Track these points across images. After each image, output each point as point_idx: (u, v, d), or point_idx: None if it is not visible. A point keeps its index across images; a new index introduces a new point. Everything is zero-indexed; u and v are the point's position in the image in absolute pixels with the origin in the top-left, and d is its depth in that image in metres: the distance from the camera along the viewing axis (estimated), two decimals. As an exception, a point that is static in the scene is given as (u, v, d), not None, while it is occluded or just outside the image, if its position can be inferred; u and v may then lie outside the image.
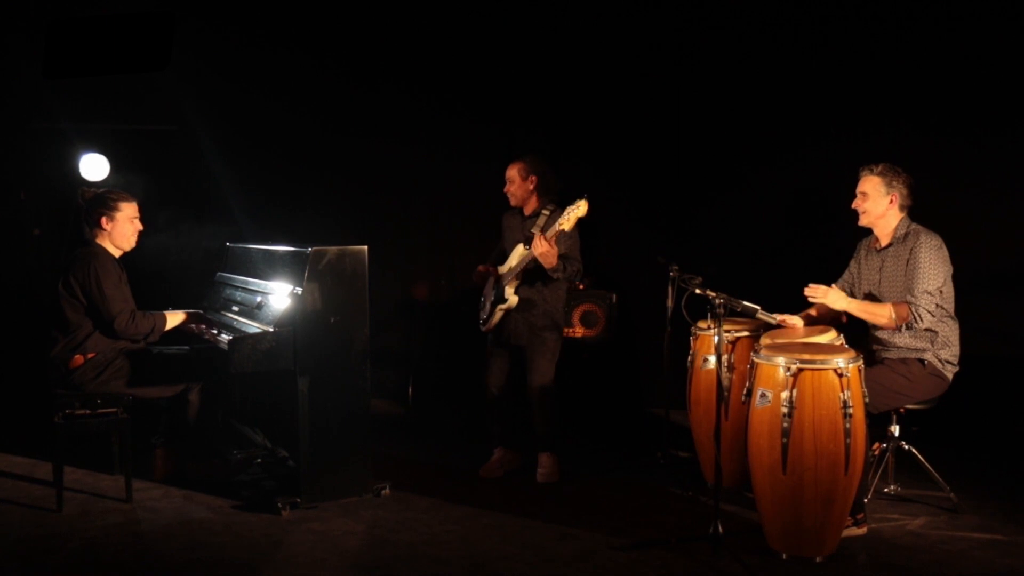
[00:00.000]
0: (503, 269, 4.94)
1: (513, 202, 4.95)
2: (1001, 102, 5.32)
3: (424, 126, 6.59)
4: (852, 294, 4.49)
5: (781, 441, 3.76)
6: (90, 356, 4.65)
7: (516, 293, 4.84)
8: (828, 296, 4.21)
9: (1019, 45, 5.25)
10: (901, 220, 4.31)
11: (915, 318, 4.10)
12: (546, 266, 4.62)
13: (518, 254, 4.85)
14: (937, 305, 4.15)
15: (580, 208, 4.51)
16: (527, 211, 4.95)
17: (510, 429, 5.04)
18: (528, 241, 4.79)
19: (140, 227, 4.89)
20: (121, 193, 4.89)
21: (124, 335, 4.70)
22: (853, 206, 4.36)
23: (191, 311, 5.06)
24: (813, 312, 4.54)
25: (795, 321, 4.46)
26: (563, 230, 4.56)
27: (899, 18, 5.57)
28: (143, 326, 4.73)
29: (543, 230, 4.73)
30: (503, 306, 4.85)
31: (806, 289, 4.23)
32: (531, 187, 4.89)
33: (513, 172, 4.92)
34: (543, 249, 4.56)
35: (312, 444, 4.48)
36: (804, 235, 5.95)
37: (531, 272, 4.80)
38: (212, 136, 6.46)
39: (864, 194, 4.32)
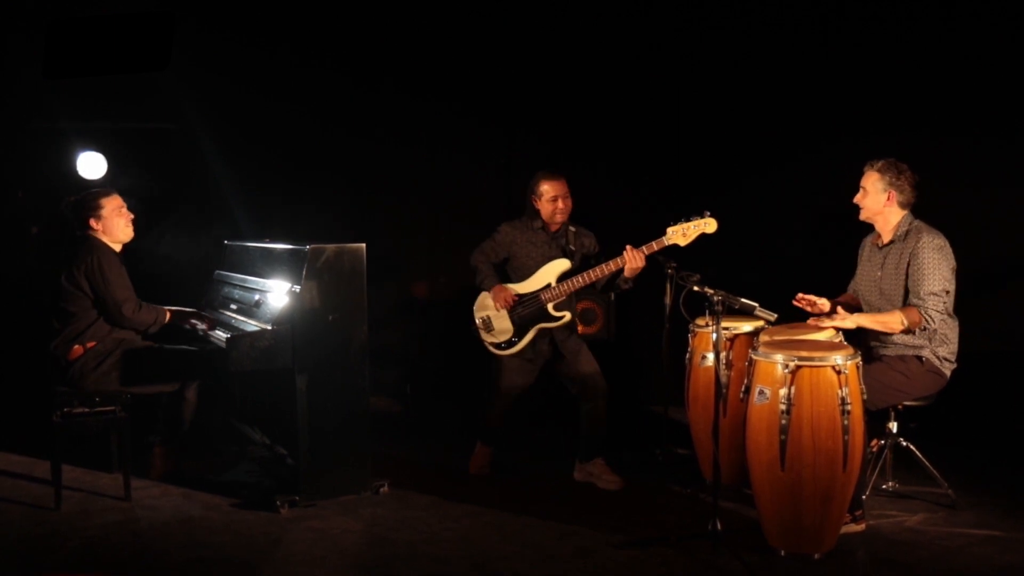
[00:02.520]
0: (532, 286, 4.78)
1: (564, 217, 4.81)
2: (1001, 102, 5.32)
3: (424, 126, 6.59)
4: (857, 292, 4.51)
5: (779, 438, 3.77)
6: (90, 345, 4.66)
7: (559, 310, 4.76)
8: (836, 320, 4.17)
9: (1019, 45, 5.25)
10: (903, 217, 4.30)
11: (927, 320, 4.08)
12: (630, 276, 4.63)
13: (558, 270, 4.74)
14: (944, 304, 4.14)
15: (709, 225, 4.44)
16: (554, 228, 4.85)
17: (505, 428, 5.03)
18: (570, 257, 4.77)
19: (131, 215, 4.90)
20: (99, 191, 4.91)
21: (131, 323, 4.74)
22: (854, 200, 4.36)
23: (187, 309, 5.07)
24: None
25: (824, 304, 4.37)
26: (676, 245, 4.48)
27: (900, 18, 5.57)
28: (148, 315, 4.79)
29: (573, 246, 4.79)
30: (553, 324, 4.75)
31: (814, 320, 4.20)
32: (572, 202, 4.86)
33: (567, 187, 4.79)
34: (640, 264, 4.55)
35: (311, 442, 4.49)
36: (803, 234, 5.95)
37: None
38: (211, 134, 6.46)
39: (864, 189, 4.32)
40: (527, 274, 4.83)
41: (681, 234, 4.49)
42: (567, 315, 4.77)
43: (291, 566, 3.84)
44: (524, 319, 4.78)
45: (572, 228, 4.87)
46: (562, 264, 4.77)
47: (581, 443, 4.86)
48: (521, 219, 4.93)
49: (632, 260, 4.53)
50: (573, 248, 4.84)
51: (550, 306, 4.75)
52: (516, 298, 4.78)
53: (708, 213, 4.47)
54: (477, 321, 4.90)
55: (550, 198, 4.78)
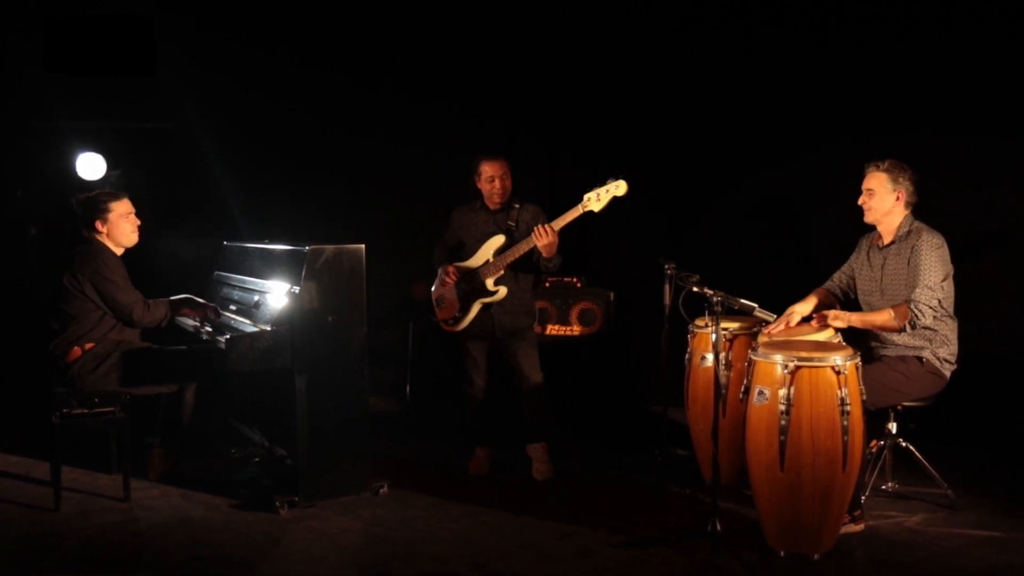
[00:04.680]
0: (474, 263, 4.90)
1: (501, 198, 4.92)
2: (1001, 102, 5.31)
3: (424, 126, 6.59)
4: (850, 288, 4.50)
5: (779, 438, 3.76)
6: (88, 347, 4.66)
7: (497, 285, 4.85)
8: (829, 319, 4.17)
9: (1019, 45, 5.24)
10: (905, 218, 4.29)
11: (916, 315, 4.08)
12: (547, 255, 4.66)
13: (494, 246, 4.85)
14: (938, 301, 4.14)
15: (620, 188, 4.53)
16: (493, 207, 4.96)
17: (489, 424, 5.09)
18: (508, 233, 4.85)
19: (137, 222, 4.90)
20: (110, 193, 4.90)
21: (141, 324, 4.76)
22: (859, 203, 4.34)
23: (185, 296, 5.04)
24: (807, 310, 4.47)
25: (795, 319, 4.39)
26: (591, 211, 4.56)
27: (900, 18, 5.56)
28: (157, 313, 4.80)
29: (513, 222, 4.85)
30: (489, 299, 4.85)
31: (815, 321, 4.22)
32: (510, 183, 4.96)
33: (506, 168, 4.91)
34: (550, 240, 4.59)
35: (310, 443, 4.48)
36: (803, 234, 5.94)
37: (511, 263, 4.85)
38: (211, 134, 6.46)
39: (870, 191, 4.30)
40: (472, 253, 4.95)
41: (595, 199, 4.57)
42: (502, 290, 4.85)
43: (290, 565, 3.84)
44: (466, 295, 4.90)
45: (517, 205, 4.96)
46: (498, 240, 4.87)
47: (527, 427, 5.04)
48: (469, 203, 5.05)
49: (540, 236, 4.59)
50: (512, 224, 4.90)
51: (488, 281, 4.85)
52: (459, 275, 4.91)
53: (620, 176, 4.54)
54: (433, 300, 5.04)
55: (487, 178, 4.90)
